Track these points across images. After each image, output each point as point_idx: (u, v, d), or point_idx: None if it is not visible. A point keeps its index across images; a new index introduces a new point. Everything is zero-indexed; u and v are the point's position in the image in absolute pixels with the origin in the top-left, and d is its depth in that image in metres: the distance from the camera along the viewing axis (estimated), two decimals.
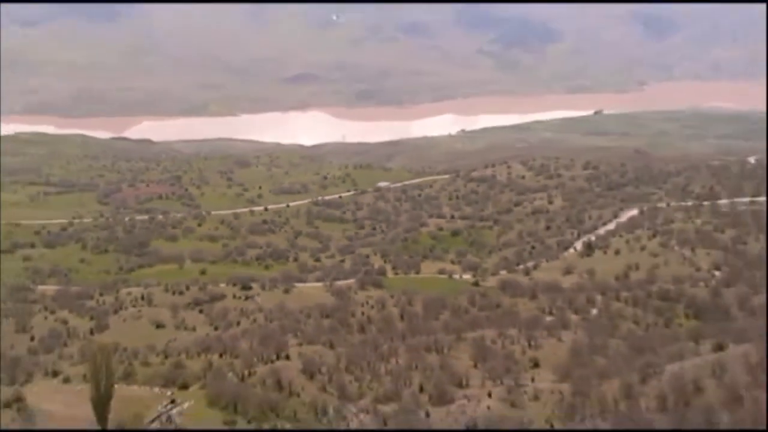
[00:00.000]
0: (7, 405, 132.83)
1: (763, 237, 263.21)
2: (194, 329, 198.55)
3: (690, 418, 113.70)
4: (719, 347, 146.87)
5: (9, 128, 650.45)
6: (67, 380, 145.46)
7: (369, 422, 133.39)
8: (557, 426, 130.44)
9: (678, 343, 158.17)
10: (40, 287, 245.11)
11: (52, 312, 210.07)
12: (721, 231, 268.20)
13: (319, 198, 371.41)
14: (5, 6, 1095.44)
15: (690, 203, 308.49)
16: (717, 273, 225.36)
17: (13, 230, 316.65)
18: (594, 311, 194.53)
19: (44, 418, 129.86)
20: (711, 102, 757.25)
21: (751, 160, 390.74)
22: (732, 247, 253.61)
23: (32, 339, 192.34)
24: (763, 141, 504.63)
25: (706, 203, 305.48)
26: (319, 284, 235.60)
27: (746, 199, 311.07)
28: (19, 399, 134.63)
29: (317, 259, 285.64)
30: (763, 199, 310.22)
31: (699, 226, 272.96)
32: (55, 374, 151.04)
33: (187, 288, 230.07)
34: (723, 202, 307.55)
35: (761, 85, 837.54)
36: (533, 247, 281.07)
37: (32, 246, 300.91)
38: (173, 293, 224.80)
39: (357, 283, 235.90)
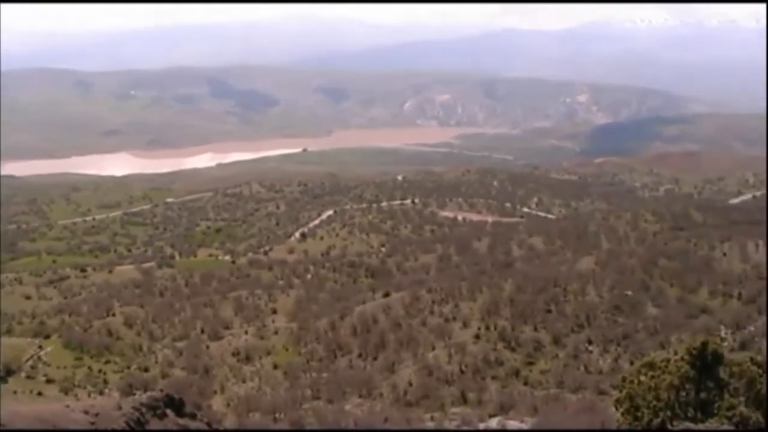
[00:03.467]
0: None
1: (410, 225, 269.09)
2: (51, 299, 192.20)
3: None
4: (387, 294, 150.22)
5: None
6: None
7: (170, 354, 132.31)
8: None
9: (362, 294, 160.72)
10: None
11: None
12: (384, 222, 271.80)
13: (128, 210, 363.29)
14: None
15: (364, 205, 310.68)
16: (383, 249, 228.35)
17: None
18: (309, 276, 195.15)
19: None
20: (372, 142, 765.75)
21: (399, 177, 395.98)
22: (391, 232, 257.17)
23: None
24: (408, 167, 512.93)
25: (374, 205, 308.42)
26: (132, 266, 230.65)
27: (398, 202, 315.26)
28: None
29: (129, 250, 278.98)
30: (408, 200, 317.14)
31: (371, 219, 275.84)
32: None
33: (45, 272, 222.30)
34: (384, 204, 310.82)
35: (401, 131, 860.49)
36: (268, 237, 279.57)
37: None
38: (36, 276, 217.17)
39: (156, 264, 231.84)
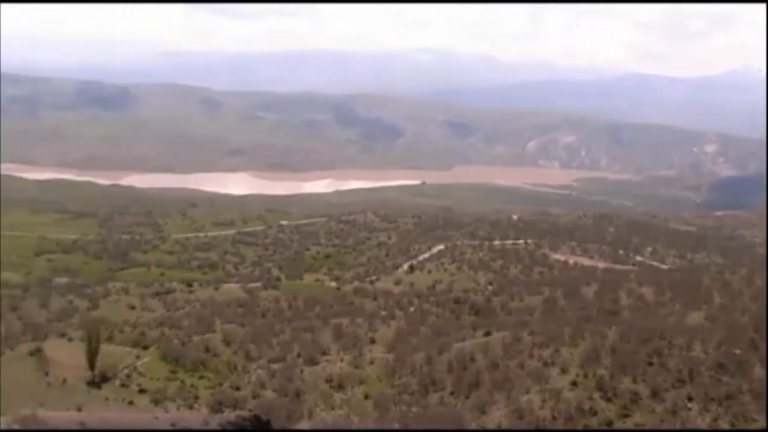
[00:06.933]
0: (31, 354, 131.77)
1: (520, 265, 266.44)
2: (154, 311, 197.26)
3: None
4: (488, 333, 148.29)
5: (46, 176, 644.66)
6: (71, 340, 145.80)
7: (263, 375, 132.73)
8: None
9: (463, 331, 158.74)
10: (57, 279, 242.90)
11: (64, 295, 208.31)
12: (494, 261, 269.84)
13: (242, 229, 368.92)
14: (50, 95, 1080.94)
15: (476, 242, 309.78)
16: (490, 287, 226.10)
17: (41, 241, 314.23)
18: (412, 308, 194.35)
19: (55, 363, 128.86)
20: (493, 180, 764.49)
21: (515, 217, 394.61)
22: (500, 271, 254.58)
23: (50, 312, 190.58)
24: (524, 207, 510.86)
25: (486, 243, 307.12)
26: (237, 285, 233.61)
27: (510, 241, 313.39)
28: (39, 350, 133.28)
29: (237, 269, 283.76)
30: (521, 240, 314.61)
31: (481, 257, 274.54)
32: (63, 335, 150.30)
33: (152, 284, 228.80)
34: (496, 242, 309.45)
35: (522, 171, 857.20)
36: (376, 267, 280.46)
37: (53, 252, 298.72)
38: (142, 287, 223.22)
39: (262, 285, 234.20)
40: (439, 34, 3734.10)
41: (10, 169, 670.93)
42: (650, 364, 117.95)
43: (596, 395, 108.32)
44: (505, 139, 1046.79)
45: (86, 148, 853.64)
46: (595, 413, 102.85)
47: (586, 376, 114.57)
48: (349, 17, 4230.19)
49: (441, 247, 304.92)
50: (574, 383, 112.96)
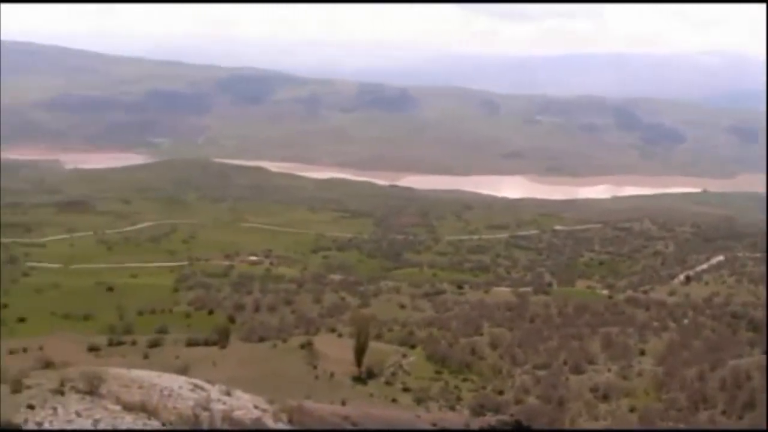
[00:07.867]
0: (302, 347, 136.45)
1: None
2: (424, 311, 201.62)
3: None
4: (766, 352, 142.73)
5: (325, 175, 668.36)
6: (340, 335, 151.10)
7: (528, 380, 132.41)
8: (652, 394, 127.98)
9: (739, 347, 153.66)
10: (331, 276, 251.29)
11: (336, 291, 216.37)
12: None
13: (515, 233, 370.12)
14: (332, 96, 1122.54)
15: (759, 255, 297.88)
16: None
17: (319, 238, 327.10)
18: (686, 321, 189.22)
19: (324, 357, 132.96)
20: None
21: None
22: None
23: (322, 307, 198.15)
24: None
25: None
26: (508, 289, 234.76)
27: None
28: (309, 344, 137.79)
29: (509, 272, 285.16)
30: None
31: (763, 270, 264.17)
32: (333, 331, 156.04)
33: (423, 284, 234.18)
34: None
35: None
36: (651, 276, 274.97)
37: (329, 249, 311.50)
38: (413, 287, 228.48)
39: (532, 290, 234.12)
40: (728, 35, 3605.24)
41: (292, 168, 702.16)
42: None
43: None
44: None
45: (365, 148, 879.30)
46: None
47: None
48: (631, 18, 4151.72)
49: (720, 258, 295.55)
50: None
